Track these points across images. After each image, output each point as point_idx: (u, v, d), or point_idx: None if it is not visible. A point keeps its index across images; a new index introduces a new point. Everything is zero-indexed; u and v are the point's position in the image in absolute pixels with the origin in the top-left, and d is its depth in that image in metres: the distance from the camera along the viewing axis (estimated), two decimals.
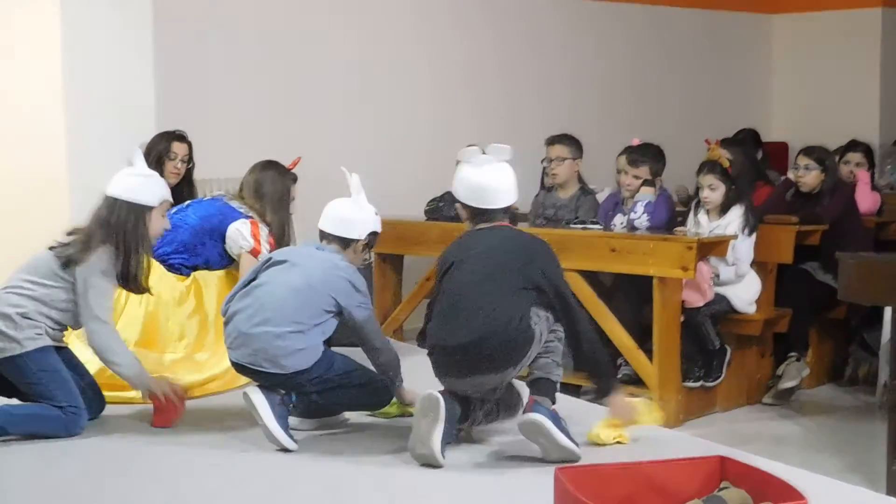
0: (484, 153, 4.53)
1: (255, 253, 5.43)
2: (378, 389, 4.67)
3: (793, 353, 6.54)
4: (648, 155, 6.63)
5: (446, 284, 4.40)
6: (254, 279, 4.63)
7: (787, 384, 6.46)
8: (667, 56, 9.66)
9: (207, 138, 6.56)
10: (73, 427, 4.53)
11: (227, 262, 5.59)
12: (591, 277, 6.20)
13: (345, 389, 4.57)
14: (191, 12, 7.24)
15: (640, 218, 6.36)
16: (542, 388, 4.34)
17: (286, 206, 5.63)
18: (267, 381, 4.47)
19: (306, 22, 7.77)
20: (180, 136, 6.23)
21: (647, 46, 9.51)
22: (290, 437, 4.41)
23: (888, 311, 5.16)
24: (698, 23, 9.82)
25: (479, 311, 4.22)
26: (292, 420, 4.53)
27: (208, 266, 5.58)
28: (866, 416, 6.20)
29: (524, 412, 4.27)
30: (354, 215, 4.73)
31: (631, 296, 6.22)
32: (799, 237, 6.50)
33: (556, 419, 4.23)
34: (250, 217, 5.54)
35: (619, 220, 6.53)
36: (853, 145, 7.63)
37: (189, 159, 6.26)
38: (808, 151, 6.89)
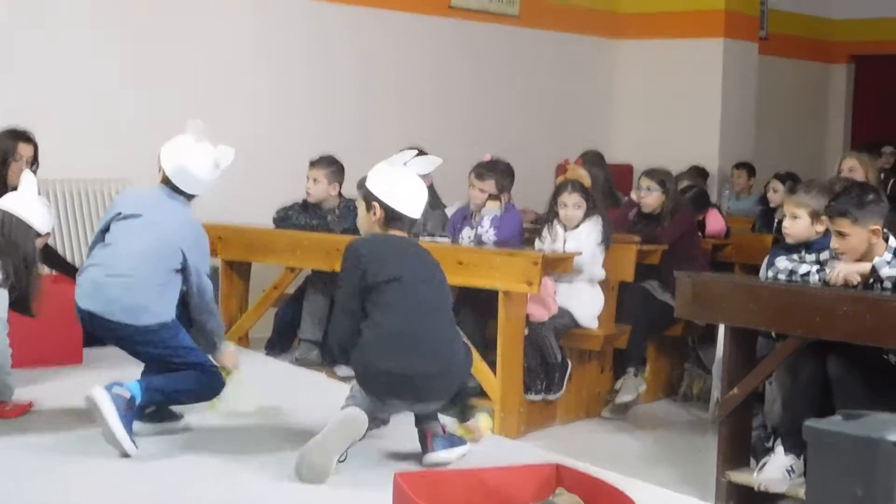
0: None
1: None
2: (213, 375, 4.65)
3: (631, 369, 6.71)
4: (495, 170, 6.75)
5: (396, 303, 4.28)
6: (106, 230, 4.61)
7: (624, 398, 6.62)
8: (517, 75, 9.81)
9: (48, 137, 6.40)
10: None
11: None
12: None
13: (185, 367, 4.54)
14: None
15: (488, 232, 6.47)
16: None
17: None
18: (115, 335, 4.48)
19: (155, 19, 7.65)
20: (27, 137, 6.07)
21: (498, 65, 9.64)
22: (133, 441, 4.35)
23: (721, 329, 5.34)
24: (548, 44, 10.00)
25: (443, 342, 4.33)
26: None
27: None
28: (699, 430, 6.39)
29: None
30: (198, 172, 4.64)
31: (476, 309, 6.31)
32: (640, 256, 6.68)
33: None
34: None
35: (466, 234, 6.62)
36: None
37: (34, 160, 6.11)
38: (651, 173, 7.11)
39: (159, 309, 4.49)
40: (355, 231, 6.80)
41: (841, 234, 4.73)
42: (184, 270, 4.56)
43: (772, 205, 8.44)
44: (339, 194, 6.90)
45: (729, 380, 5.04)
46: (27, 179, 4.92)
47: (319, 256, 6.50)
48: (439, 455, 4.39)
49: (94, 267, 4.56)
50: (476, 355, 6.04)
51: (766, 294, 4.86)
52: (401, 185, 4.41)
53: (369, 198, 4.43)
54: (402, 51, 8.91)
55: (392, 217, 4.40)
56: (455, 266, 6.04)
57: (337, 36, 8.54)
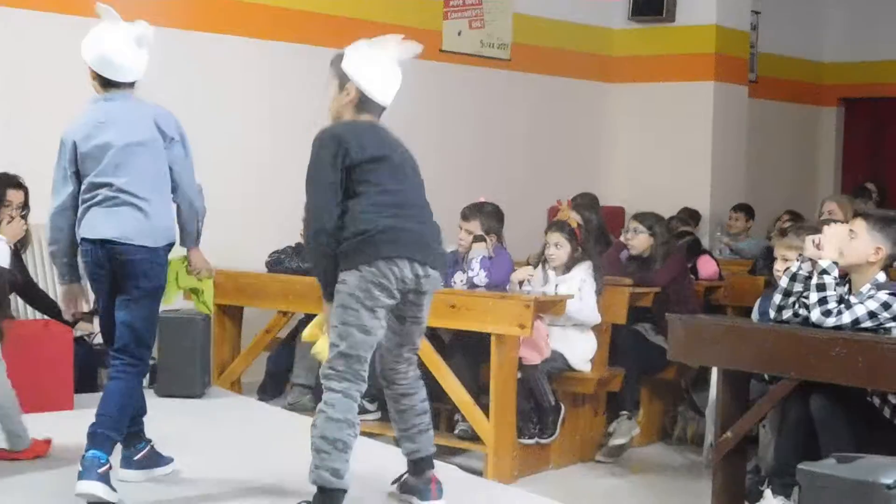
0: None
1: None
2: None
3: (624, 412, 6.69)
4: (481, 211, 6.75)
5: (386, 181, 4.08)
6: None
7: (617, 441, 6.60)
8: (509, 119, 9.86)
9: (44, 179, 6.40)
10: None
11: None
12: (431, 333, 6.25)
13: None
14: (36, 49, 7.08)
15: (478, 275, 6.47)
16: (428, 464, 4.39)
17: None
18: (124, 260, 4.25)
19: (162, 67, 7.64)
20: (17, 183, 6.05)
21: (490, 109, 9.69)
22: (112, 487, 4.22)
23: (714, 372, 5.34)
24: (541, 88, 10.06)
25: (430, 216, 4.24)
26: (120, 473, 4.42)
27: None
28: (693, 474, 6.37)
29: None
30: (124, 59, 4.35)
31: (469, 352, 6.30)
32: (632, 299, 6.68)
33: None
34: None
35: (458, 278, 6.62)
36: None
37: (24, 206, 6.09)
38: (639, 216, 7.16)
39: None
40: None
41: (852, 233, 4.80)
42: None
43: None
44: None
45: (722, 423, 5.03)
46: None
47: (311, 300, 6.45)
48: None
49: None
50: (469, 400, 6.05)
51: (759, 336, 4.87)
52: (378, 68, 4.21)
53: (343, 77, 4.21)
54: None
55: (364, 101, 4.20)
56: (447, 310, 6.04)
57: (326, 80, 8.57)
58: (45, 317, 6.14)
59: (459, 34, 9.41)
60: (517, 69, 9.85)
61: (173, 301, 4.62)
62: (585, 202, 7.95)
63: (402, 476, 4.48)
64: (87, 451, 4.17)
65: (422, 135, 9.17)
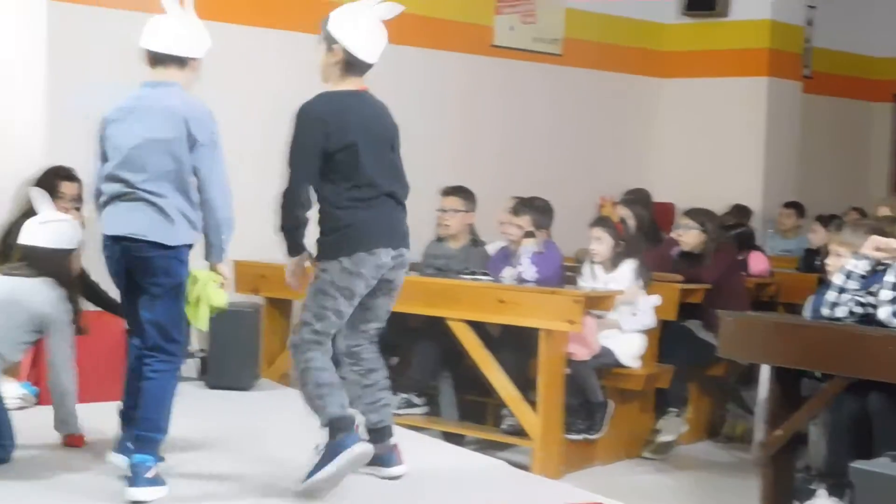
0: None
1: None
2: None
3: (672, 409, 6.66)
4: (532, 206, 6.76)
5: (362, 170, 4.34)
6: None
7: (665, 438, 6.57)
8: (559, 114, 9.82)
9: None
10: (2, 454, 4.54)
11: None
12: (479, 328, 6.26)
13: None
14: (86, 42, 7.12)
15: (528, 270, 6.46)
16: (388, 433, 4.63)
17: None
18: (140, 257, 4.24)
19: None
20: (70, 175, 6.07)
21: (540, 104, 9.66)
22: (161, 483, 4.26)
23: (764, 369, 5.30)
24: (591, 83, 10.01)
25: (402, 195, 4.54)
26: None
27: None
28: (741, 472, 6.32)
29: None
30: (169, 31, 4.34)
31: (517, 347, 6.29)
32: (682, 295, 6.65)
33: None
34: None
35: (508, 273, 6.61)
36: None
37: (79, 198, 6.12)
38: (690, 213, 7.13)
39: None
40: None
41: None
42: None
43: (812, 246, 8.39)
44: None
45: (772, 421, 5.00)
46: (38, 200, 4.88)
47: None
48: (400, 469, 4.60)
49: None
50: (517, 395, 6.04)
51: (811, 334, 4.83)
52: (362, 29, 4.38)
53: (330, 39, 4.39)
54: (445, 90, 8.94)
55: (351, 61, 4.38)
56: (496, 304, 6.04)
57: (379, 76, 8.57)
58: (98, 308, 6.19)
59: (511, 29, 9.38)
60: (568, 64, 9.80)
61: (205, 324, 4.51)
62: (637, 198, 7.93)
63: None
64: (133, 455, 4.22)
65: (473, 129, 9.21)
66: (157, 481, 4.20)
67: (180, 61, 4.34)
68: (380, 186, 4.41)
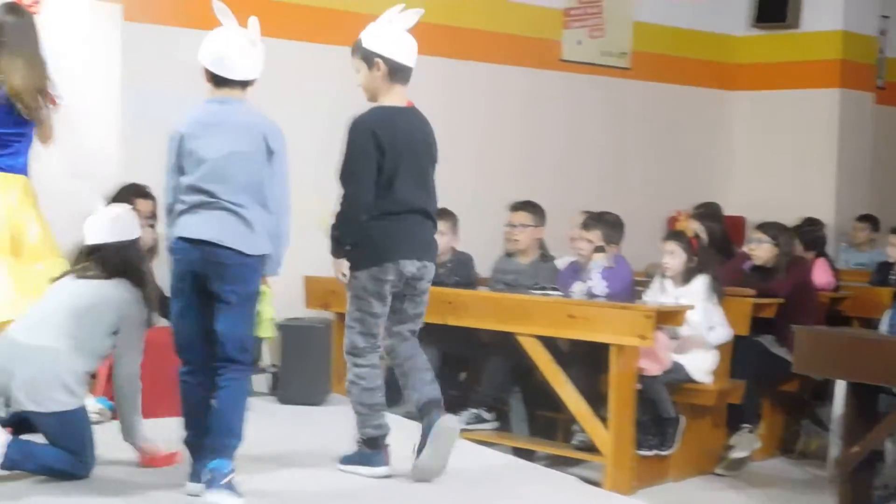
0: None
1: None
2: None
3: (746, 425, 6.59)
4: (602, 221, 6.74)
5: (400, 184, 4.64)
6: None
7: (738, 454, 6.51)
8: (628, 128, 9.79)
9: None
10: (83, 471, 4.51)
11: None
12: (549, 343, 6.25)
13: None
14: (160, 62, 7.21)
15: (598, 285, 6.43)
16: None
17: None
18: (220, 263, 4.29)
19: (285, 75, 7.73)
20: (145, 193, 6.15)
21: (609, 118, 9.63)
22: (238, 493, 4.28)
23: (840, 385, 5.24)
24: (660, 96, 9.96)
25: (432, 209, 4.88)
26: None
27: None
28: (815, 489, 6.25)
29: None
30: (236, 57, 4.38)
31: (587, 362, 6.27)
32: (754, 310, 6.59)
33: None
34: None
35: (577, 288, 6.59)
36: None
37: (153, 215, 6.19)
38: (763, 226, 7.06)
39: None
40: (466, 284, 6.89)
41: None
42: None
43: (891, 259, 8.26)
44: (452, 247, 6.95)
45: (848, 437, 4.94)
46: (97, 205, 4.88)
47: (430, 309, 6.45)
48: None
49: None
50: (587, 410, 6.02)
51: (889, 349, 4.76)
52: (396, 38, 4.67)
53: (370, 56, 4.67)
54: (516, 104, 8.95)
55: (394, 69, 4.66)
56: (566, 319, 6.02)
57: (453, 91, 8.61)
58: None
59: (579, 43, 9.36)
60: (637, 77, 9.77)
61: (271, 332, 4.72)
62: (708, 212, 7.87)
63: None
64: (210, 461, 4.25)
65: (541, 144, 9.21)
66: (232, 488, 4.23)
67: (244, 83, 4.44)
68: (412, 202, 4.71)
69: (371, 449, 4.80)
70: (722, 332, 6.43)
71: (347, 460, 4.87)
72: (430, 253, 4.84)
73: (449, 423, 4.72)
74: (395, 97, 4.71)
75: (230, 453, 4.28)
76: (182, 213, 4.35)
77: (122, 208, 4.91)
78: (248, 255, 4.30)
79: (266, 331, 4.63)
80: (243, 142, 4.33)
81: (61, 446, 4.46)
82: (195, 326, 4.38)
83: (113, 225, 4.75)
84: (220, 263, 4.28)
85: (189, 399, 4.44)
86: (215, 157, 4.30)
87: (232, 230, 4.28)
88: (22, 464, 4.42)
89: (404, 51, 4.69)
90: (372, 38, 4.68)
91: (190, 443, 4.48)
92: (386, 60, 4.65)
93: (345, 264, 4.73)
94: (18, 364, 4.43)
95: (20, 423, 4.56)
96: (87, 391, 4.58)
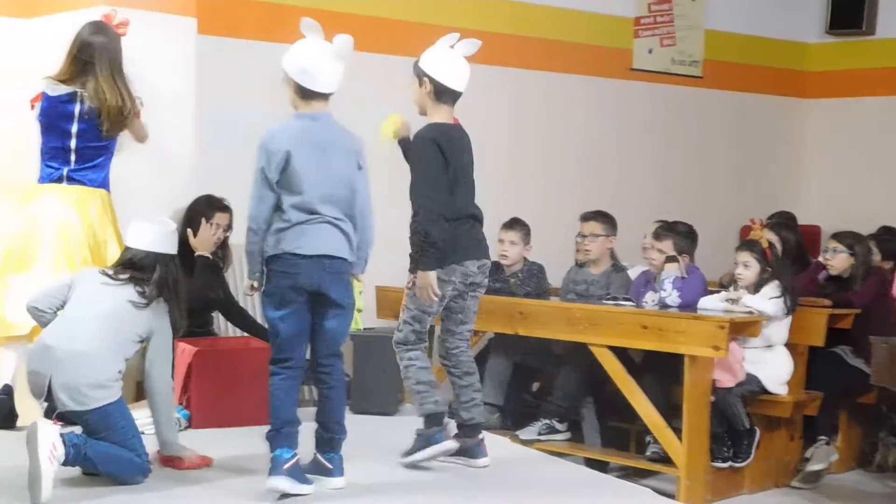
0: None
1: None
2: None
3: (822, 437, 6.51)
4: (674, 230, 6.69)
5: (457, 190, 4.97)
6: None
7: (815, 467, 6.42)
8: (700, 136, 9.72)
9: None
10: (142, 474, 4.58)
11: None
12: (622, 353, 6.22)
13: None
14: (233, 73, 7.27)
15: (671, 295, 6.38)
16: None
17: None
18: (336, 273, 4.61)
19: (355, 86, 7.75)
20: (223, 206, 6.25)
21: (681, 127, 9.58)
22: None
23: None
24: (733, 105, 9.88)
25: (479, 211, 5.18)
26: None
27: None
28: (894, 503, 6.15)
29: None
30: (323, 70, 4.60)
31: (661, 373, 6.22)
32: (831, 320, 6.50)
33: None
34: None
35: (650, 298, 6.55)
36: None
37: (229, 227, 6.29)
38: (838, 236, 6.96)
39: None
40: (538, 294, 6.88)
41: None
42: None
43: None
44: (524, 258, 6.95)
45: None
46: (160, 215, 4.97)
47: (502, 320, 6.52)
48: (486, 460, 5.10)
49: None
50: (661, 421, 5.97)
51: None
52: (447, 62, 4.96)
53: (421, 75, 4.99)
54: (585, 114, 8.93)
55: (440, 90, 4.95)
56: (639, 330, 5.99)
57: (522, 100, 8.61)
58: (246, 334, 6.32)
59: (650, 52, 9.32)
60: (709, 86, 9.70)
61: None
62: (783, 221, 7.78)
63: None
64: (324, 453, 4.64)
65: (612, 152, 9.17)
66: (296, 475, 4.52)
67: (328, 96, 4.67)
68: (467, 208, 5.06)
69: (432, 426, 5.05)
70: (775, 336, 6.35)
71: (410, 451, 5.07)
72: (487, 252, 5.19)
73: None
74: (442, 115, 5.00)
75: (341, 446, 4.68)
76: (284, 229, 4.55)
77: (170, 223, 4.94)
78: (351, 263, 4.68)
79: (356, 323, 5.02)
80: (341, 160, 4.63)
81: (109, 441, 4.52)
82: (299, 330, 4.63)
83: (171, 238, 4.83)
84: (337, 273, 4.61)
85: (290, 396, 4.66)
86: (322, 177, 4.56)
87: (339, 242, 4.61)
88: (80, 457, 4.41)
89: (453, 76, 4.96)
90: (427, 58, 4.99)
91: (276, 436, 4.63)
92: (433, 81, 4.95)
93: (433, 277, 4.92)
94: (56, 370, 4.51)
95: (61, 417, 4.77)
96: (121, 386, 4.63)
